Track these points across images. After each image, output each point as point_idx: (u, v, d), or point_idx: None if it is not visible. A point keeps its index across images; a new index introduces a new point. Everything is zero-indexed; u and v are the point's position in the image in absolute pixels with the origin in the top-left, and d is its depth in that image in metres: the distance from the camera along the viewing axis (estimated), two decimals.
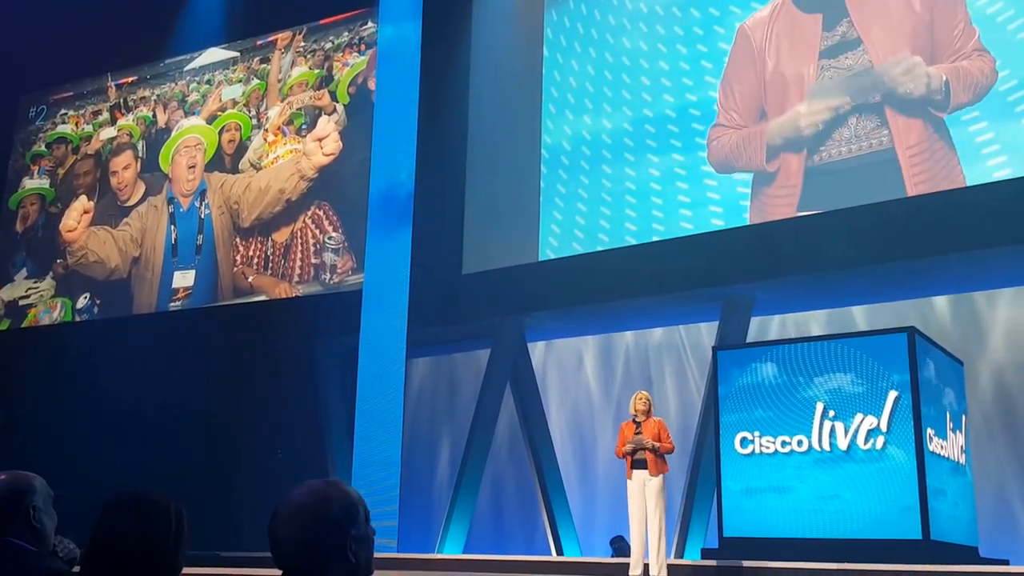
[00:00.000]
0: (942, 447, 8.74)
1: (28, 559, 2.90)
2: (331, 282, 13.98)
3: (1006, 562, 8.84)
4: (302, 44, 15.46)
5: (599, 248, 12.50)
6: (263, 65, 15.74)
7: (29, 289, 16.61)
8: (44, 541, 3.01)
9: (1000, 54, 10.38)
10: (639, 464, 8.37)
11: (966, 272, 11.05)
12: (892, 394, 8.43)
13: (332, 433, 13.61)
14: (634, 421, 8.52)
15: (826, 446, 8.62)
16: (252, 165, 15.21)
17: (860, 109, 11.00)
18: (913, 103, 10.73)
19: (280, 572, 2.23)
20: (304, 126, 15.00)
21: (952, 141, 10.44)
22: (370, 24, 14.79)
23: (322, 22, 15.37)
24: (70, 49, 16.27)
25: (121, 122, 16.88)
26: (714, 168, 11.86)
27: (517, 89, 13.84)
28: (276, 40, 15.74)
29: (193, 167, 15.76)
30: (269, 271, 14.58)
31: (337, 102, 14.84)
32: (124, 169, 16.49)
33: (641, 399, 8.59)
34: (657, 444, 8.32)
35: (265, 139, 15.26)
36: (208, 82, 16.21)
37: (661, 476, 8.35)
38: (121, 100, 17.05)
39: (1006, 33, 10.41)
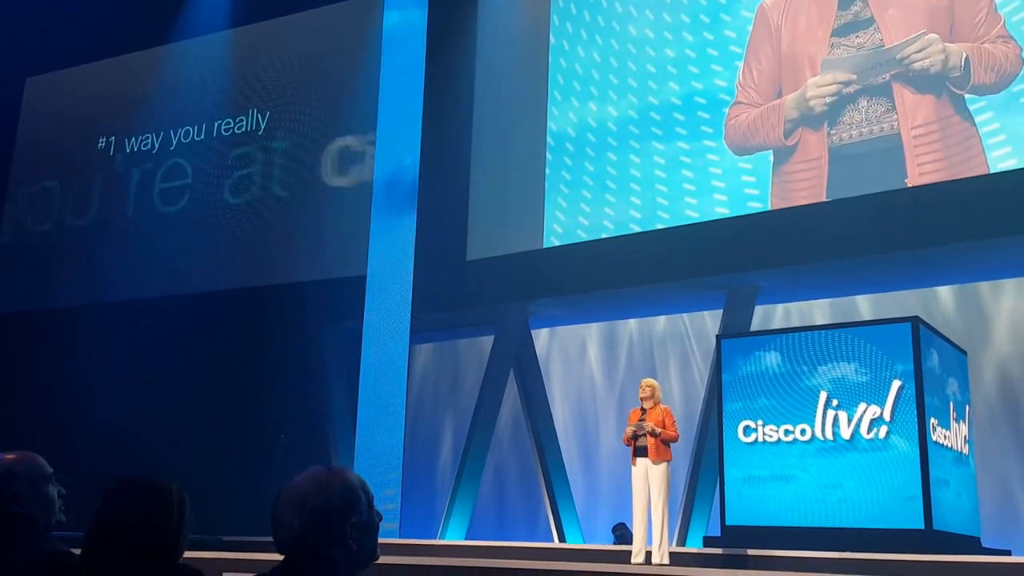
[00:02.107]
0: (945, 437, 8.73)
1: (36, 543, 2.91)
2: None
3: (1008, 552, 8.84)
4: None
5: (603, 235, 12.48)
6: None
7: None
8: (36, 524, 2.98)
9: None
10: (641, 451, 8.38)
11: (971, 262, 11.04)
12: (896, 383, 8.42)
13: (335, 419, 13.63)
14: (642, 408, 8.54)
15: (829, 435, 8.61)
16: None
17: (871, 91, 10.98)
18: (925, 82, 10.70)
19: (282, 557, 2.25)
20: None
21: (974, 120, 10.39)
22: None
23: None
24: (76, 32, 16.24)
25: None
26: (731, 149, 11.80)
27: (523, 76, 13.80)
28: None
29: None
30: None
31: None
32: None
33: (643, 386, 8.61)
34: (659, 430, 8.31)
35: None
36: None
37: (664, 464, 8.34)
38: None
39: (1010, 24, 10.39)
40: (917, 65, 10.74)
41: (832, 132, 11.15)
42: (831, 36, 11.37)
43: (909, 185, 10.62)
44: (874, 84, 10.99)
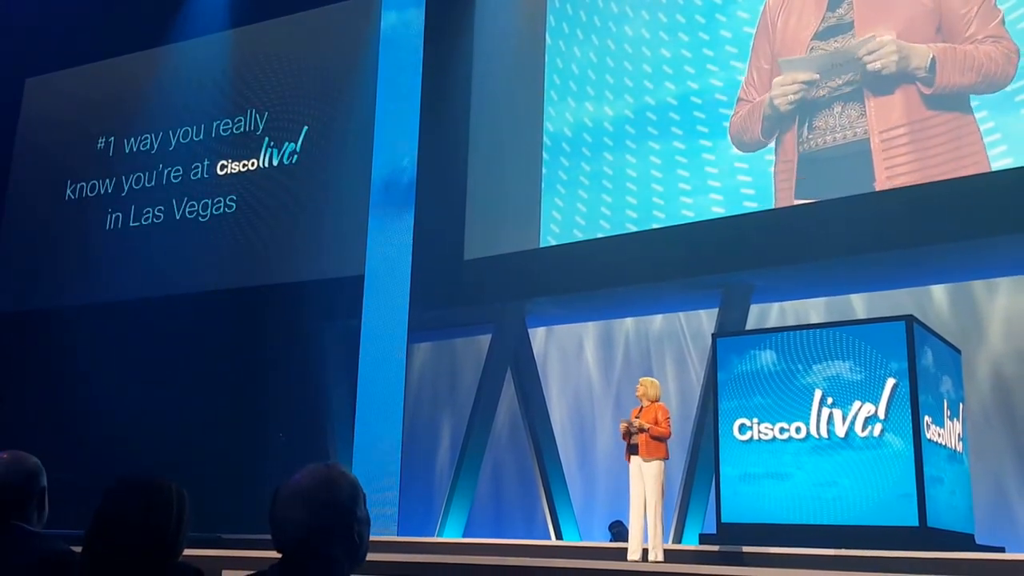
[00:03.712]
0: (939, 435, 8.78)
1: (36, 542, 2.96)
2: None
3: (1002, 550, 8.89)
4: None
5: (600, 235, 12.52)
6: None
7: None
8: (44, 521, 3.08)
9: None
10: (634, 449, 8.44)
11: (965, 261, 11.07)
12: (890, 382, 8.46)
13: (333, 417, 13.65)
14: (640, 407, 8.61)
15: (824, 433, 8.66)
16: None
17: (845, 96, 11.03)
18: (893, 85, 10.74)
19: (279, 555, 2.27)
20: None
21: (975, 118, 10.37)
22: None
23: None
24: (75, 32, 16.26)
25: None
26: (733, 144, 11.85)
27: (519, 76, 13.84)
28: None
29: None
30: None
31: None
32: None
33: (638, 385, 8.69)
34: (647, 426, 8.35)
35: None
36: None
37: (659, 461, 8.38)
38: None
39: (1006, 23, 10.41)
40: (871, 67, 10.80)
41: (808, 137, 11.20)
42: (811, 39, 11.42)
43: (877, 189, 10.68)
44: (846, 92, 11.02)
